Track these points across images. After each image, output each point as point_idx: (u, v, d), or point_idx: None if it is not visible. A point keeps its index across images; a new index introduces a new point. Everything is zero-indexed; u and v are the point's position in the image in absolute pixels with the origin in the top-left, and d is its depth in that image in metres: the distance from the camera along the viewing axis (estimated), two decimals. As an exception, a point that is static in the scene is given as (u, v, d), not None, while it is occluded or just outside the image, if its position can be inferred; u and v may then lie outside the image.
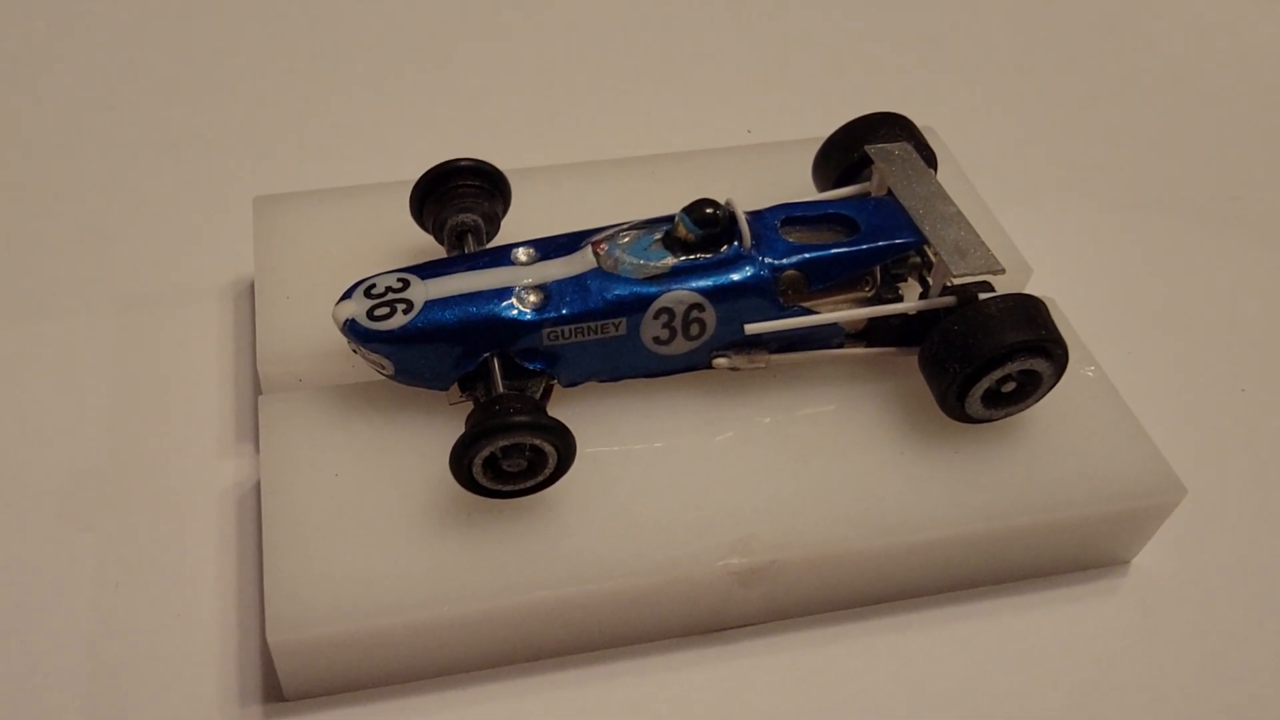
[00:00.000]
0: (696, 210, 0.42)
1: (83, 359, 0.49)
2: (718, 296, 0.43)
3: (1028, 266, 0.51)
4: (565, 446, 0.40)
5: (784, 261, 0.43)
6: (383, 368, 0.42)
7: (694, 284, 0.42)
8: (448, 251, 0.47)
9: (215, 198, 0.54)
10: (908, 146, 0.48)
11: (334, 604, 0.39)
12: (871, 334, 0.46)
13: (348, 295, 0.42)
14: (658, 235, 0.43)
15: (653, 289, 0.42)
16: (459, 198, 0.46)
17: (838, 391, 0.46)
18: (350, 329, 0.42)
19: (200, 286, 0.51)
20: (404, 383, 0.43)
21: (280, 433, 0.43)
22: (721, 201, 0.43)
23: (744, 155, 0.54)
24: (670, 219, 0.43)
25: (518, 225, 0.48)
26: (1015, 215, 0.54)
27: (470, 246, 0.46)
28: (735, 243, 0.43)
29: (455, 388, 0.43)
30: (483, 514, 0.41)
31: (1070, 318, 0.49)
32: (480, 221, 0.46)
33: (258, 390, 0.46)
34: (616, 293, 0.42)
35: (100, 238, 0.54)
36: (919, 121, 0.56)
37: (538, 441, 0.39)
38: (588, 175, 0.53)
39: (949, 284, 0.44)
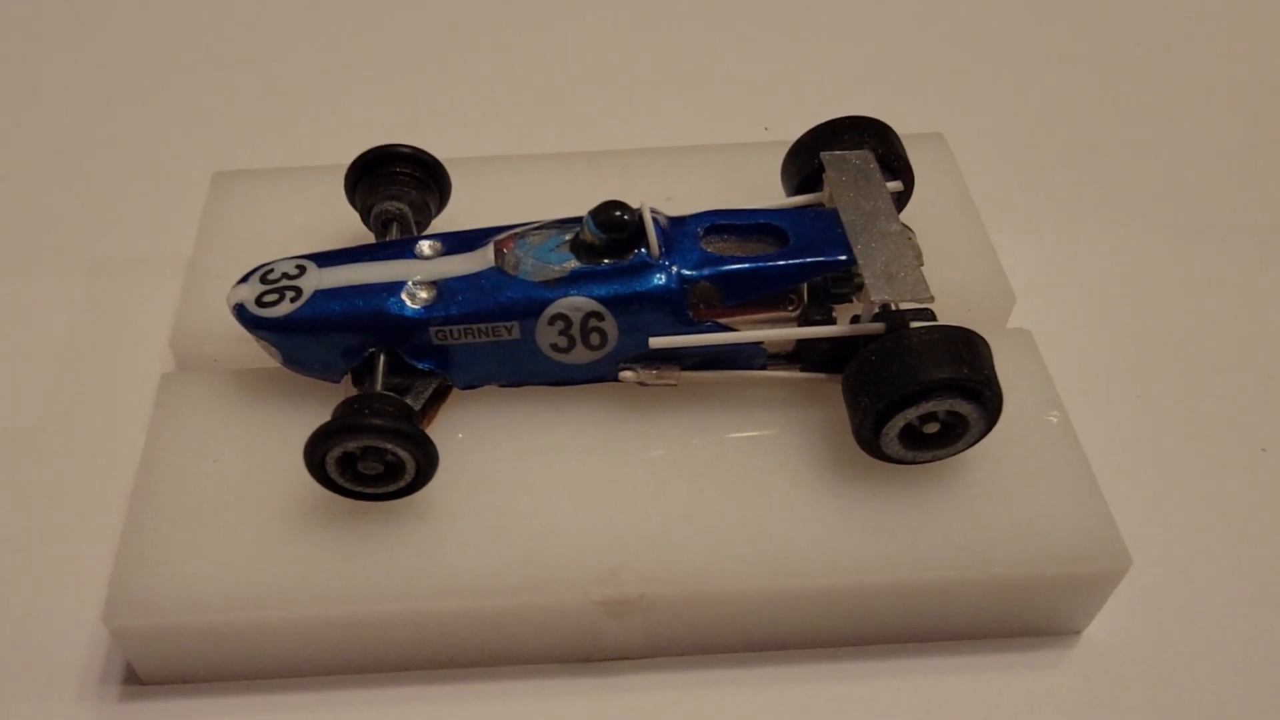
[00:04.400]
0: (603, 213, 0.40)
1: (34, 322, 0.50)
2: (618, 306, 0.40)
3: (1011, 294, 0.46)
4: (424, 457, 0.38)
5: (695, 273, 0.40)
6: (273, 355, 0.42)
7: (593, 291, 0.40)
8: (376, 238, 0.46)
9: (186, 171, 0.54)
10: (868, 155, 0.43)
11: (178, 593, 0.38)
12: (802, 357, 0.42)
13: (245, 279, 0.42)
14: (567, 237, 0.41)
15: (548, 294, 0.40)
16: (390, 184, 0.45)
17: (759, 417, 0.42)
18: (239, 313, 0.41)
19: (159, 258, 0.51)
20: (295, 371, 0.42)
21: (171, 412, 0.42)
22: (634, 205, 0.40)
23: (721, 154, 0.51)
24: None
25: (477, 216, 0.47)
26: (1014, 237, 0.49)
27: (394, 235, 0.45)
28: (642, 249, 0.40)
29: (349, 381, 0.42)
30: (351, 516, 0.40)
31: (1050, 355, 0.44)
32: (407, 211, 0.45)
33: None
34: (510, 295, 0.40)
35: (69, 205, 0.55)
36: (928, 127, 0.52)
37: (393, 448, 0.38)
38: (552, 167, 0.51)
39: (880, 309, 0.40)
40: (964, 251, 0.47)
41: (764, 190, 0.47)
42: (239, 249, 0.47)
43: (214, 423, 0.42)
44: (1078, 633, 0.41)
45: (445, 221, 0.47)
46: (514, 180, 0.50)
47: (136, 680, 0.40)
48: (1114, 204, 0.56)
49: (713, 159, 0.51)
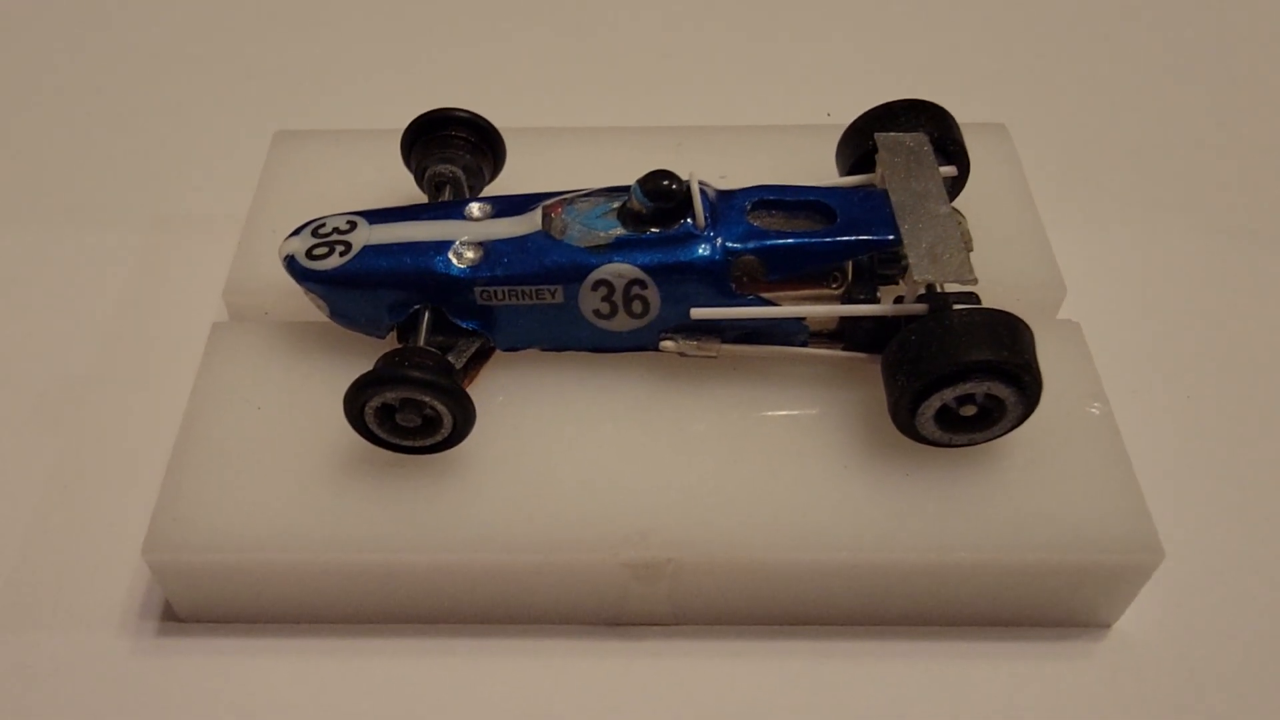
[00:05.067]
0: (650, 182, 0.40)
1: (97, 271, 0.52)
2: (661, 275, 0.40)
3: (1062, 286, 0.46)
4: (461, 412, 0.39)
5: (740, 246, 0.40)
6: (321, 308, 0.43)
7: (637, 259, 0.40)
8: (429, 200, 0.46)
9: (251, 130, 0.55)
10: (922, 138, 0.43)
11: (216, 532, 0.39)
12: (844, 335, 0.42)
13: (297, 232, 0.43)
14: (615, 204, 0.41)
15: (592, 259, 0.40)
16: (445, 147, 0.45)
17: (798, 393, 0.42)
18: (289, 265, 0.42)
19: (220, 213, 0.53)
20: (342, 325, 0.43)
21: (220, 361, 0.43)
22: (684, 176, 0.40)
23: (779, 136, 0.51)
24: None
25: (530, 186, 0.47)
26: (1072, 231, 0.49)
27: (446, 197, 0.45)
28: (688, 220, 0.40)
29: (394, 337, 0.43)
30: (388, 468, 0.40)
31: (1097, 348, 0.44)
32: (460, 174, 0.45)
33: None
34: (554, 259, 0.40)
35: (136, 160, 0.57)
36: (991, 117, 0.52)
37: (429, 400, 0.38)
38: (608, 141, 0.51)
39: (926, 290, 0.40)
40: (1018, 241, 0.47)
41: (820, 174, 0.47)
42: (296, 206, 0.48)
43: (260, 372, 0.43)
44: (1108, 626, 0.41)
45: (498, 189, 0.47)
46: (568, 152, 0.50)
47: (174, 617, 0.41)
48: (1176, 203, 0.55)
49: (770, 140, 0.51)
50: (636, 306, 0.41)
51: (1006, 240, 0.47)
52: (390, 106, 0.53)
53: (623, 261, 0.40)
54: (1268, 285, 0.51)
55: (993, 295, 0.44)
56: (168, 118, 0.60)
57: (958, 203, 0.46)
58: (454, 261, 0.41)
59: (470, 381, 0.42)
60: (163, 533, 0.39)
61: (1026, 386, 0.38)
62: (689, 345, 0.42)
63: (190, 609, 0.41)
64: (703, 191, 0.41)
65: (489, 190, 0.47)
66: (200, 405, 0.42)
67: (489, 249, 0.41)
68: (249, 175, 0.50)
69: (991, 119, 0.51)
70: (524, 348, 0.43)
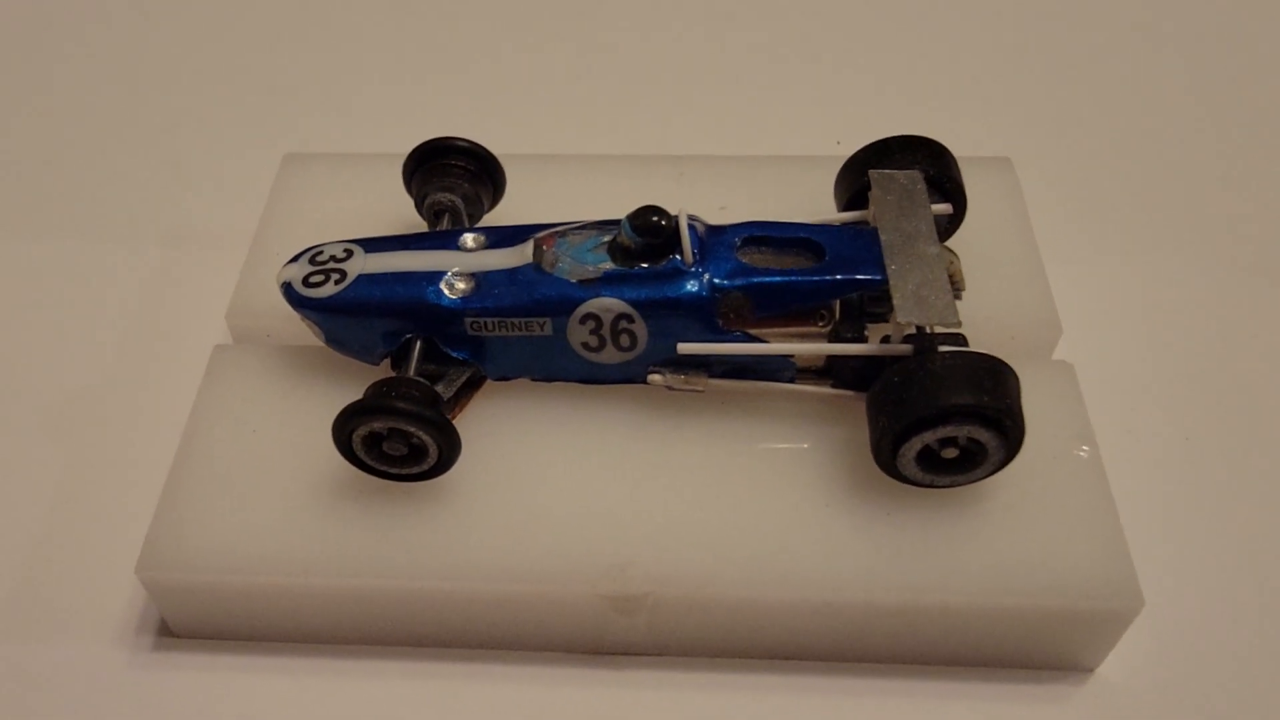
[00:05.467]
0: (639, 218, 0.40)
1: (106, 286, 0.53)
2: (648, 310, 0.40)
3: (1058, 325, 0.45)
4: (447, 443, 0.39)
5: (728, 283, 0.40)
6: (317, 335, 0.43)
7: (625, 294, 0.40)
8: (428, 228, 0.47)
9: (262, 151, 0.56)
10: (916, 176, 0.43)
11: (208, 553, 0.40)
12: (832, 373, 0.42)
13: (295, 259, 0.43)
14: (606, 238, 0.42)
15: (580, 293, 0.40)
16: (445, 176, 0.46)
17: (784, 429, 0.42)
18: (286, 291, 0.43)
19: (228, 234, 0.54)
20: (337, 350, 0.44)
21: (219, 384, 0.44)
22: (674, 211, 0.41)
23: (781, 166, 0.51)
24: None
25: (531, 213, 0.48)
26: (1073, 265, 0.48)
27: (445, 225, 0.46)
28: (677, 256, 0.41)
29: (388, 364, 0.43)
30: (377, 494, 0.41)
31: (1093, 388, 0.44)
32: (459, 203, 0.46)
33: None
34: (544, 291, 0.41)
35: (146, 178, 0.58)
36: (998, 150, 0.51)
37: (415, 431, 0.39)
38: (608, 169, 0.51)
39: (913, 331, 0.40)
40: (1015, 279, 0.47)
41: (822, 206, 0.48)
42: (301, 229, 0.49)
43: (258, 395, 0.44)
44: (1090, 670, 0.41)
45: (499, 216, 0.48)
46: (569, 180, 0.51)
47: (169, 632, 0.42)
48: (1182, 240, 0.54)
49: (773, 171, 0.51)
50: (624, 340, 0.41)
51: (1004, 277, 0.46)
52: (400, 130, 0.53)
53: (611, 296, 0.40)
54: (1275, 326, 0.51)
55: (987, 333, 0.44)
56: (181, 136, 0.61)
57: (956, 239, 0.46)
58: (445, 292, 0.41)
59: (460, 410, 0.43)
60: (156, 551, 0.40)
61: (1008, 431, 0.38)
62: (676, 379, 0.42)
63: (184, 625, 0.42)
64: (692, 227, 0.41)
65: (489, 218, 0.48)
66: (198, 427, 0.43)
67: (480, 280, 0.42)
68: (260, 195, 0.52)
69: (998, 152, 0.51)
70: (514, 377, 0.43)
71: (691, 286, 0.40)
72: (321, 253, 0.43)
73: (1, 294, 0.54)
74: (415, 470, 0.40)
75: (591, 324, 0.41)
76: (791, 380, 0.42)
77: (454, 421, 0.42)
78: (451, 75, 0.64)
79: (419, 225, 0.48)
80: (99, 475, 0.47)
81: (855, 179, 0.45)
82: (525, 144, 0.50)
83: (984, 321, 0.45)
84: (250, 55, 0.66)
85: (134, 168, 0.59)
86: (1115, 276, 0.52)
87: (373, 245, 0.43)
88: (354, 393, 0.43)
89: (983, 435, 0.38)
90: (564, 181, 0.51)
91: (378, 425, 0.39)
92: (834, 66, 0.64)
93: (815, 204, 0.48)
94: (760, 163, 0.52)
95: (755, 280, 0.41)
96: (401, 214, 0.49)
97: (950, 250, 0.43)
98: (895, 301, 0.39)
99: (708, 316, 0.40)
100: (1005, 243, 0.48)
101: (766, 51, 0.66)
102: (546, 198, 0.50)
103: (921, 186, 0.43)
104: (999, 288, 0.46)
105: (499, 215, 0.48)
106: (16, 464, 0.47)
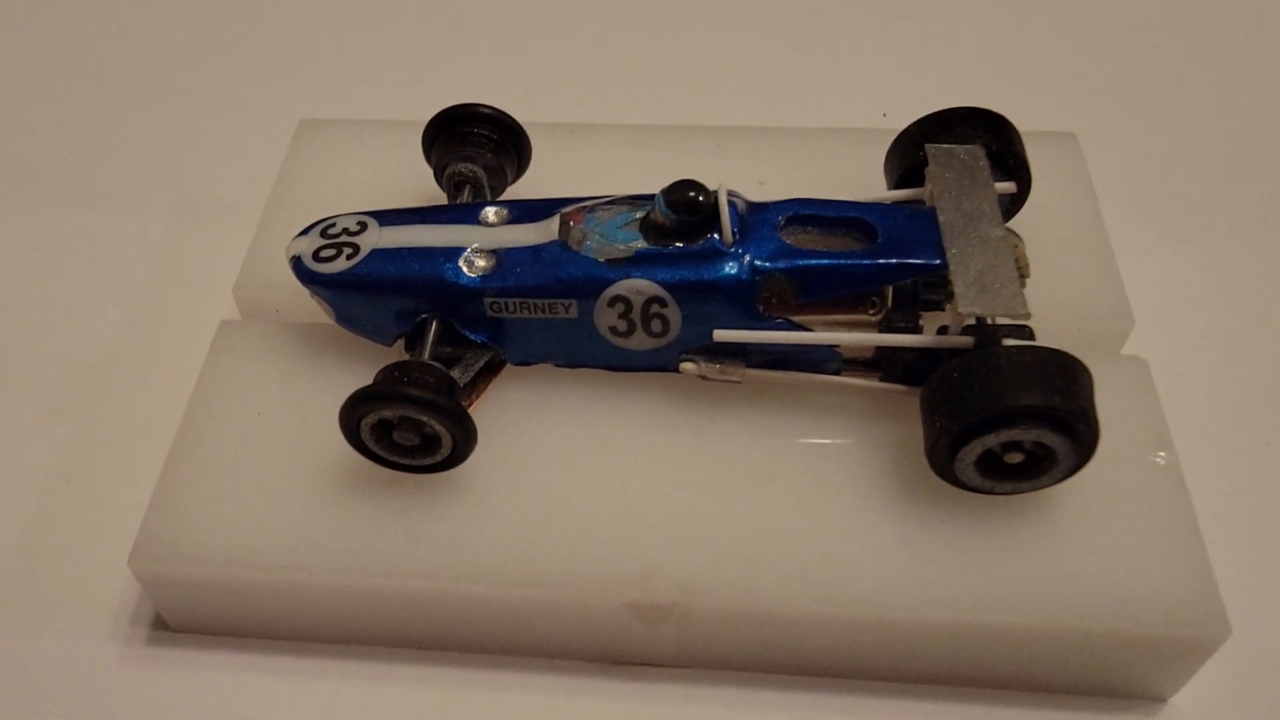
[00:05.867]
0: (675, 193, 0.37)
1: (117, 256, 0.50)
2: (682, 293, 0.37)
3: (1130, 317, 0.42)
4: (461, 434, 0.36)
5: (770, 265, 0.37)
6: (327, 313, 0.40)
7: (658, 275, 0.37)
8: (448, 199, 0.44)
9: (278, 117, 0.53)
10: (978, 151, 0.39)
11: (203, 545, 0.37)
12: (882, 364, 0.39)
13: (305, 232, 0.40)
14: (638, 214, 0.38)
15: (609, 274, 0.37)
16: (466, 145, 0.43)
17: (828, 425, 0.39)
18: (295, 266, 0.40)
19: (241, 202, 0.51)
20: (349, 330, 0.41)
21: (224, 362, 0.41)
22: (712, 186, 0.37)
23: (825, 139, 0.47)
24: None
25: (558, 185, 0.45)
26: (1144, 252, 0.44)
27: (466, 198, 0.43)
28: (715, 235, 0.37)
29: (402, 345, 0.40)
30: (386, 485, 0.38)
31: (1166, 387, 0.40)
32: (481, 174, 0.43)
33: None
34: (569, 271, 0.37)
35: (159, 146, 0.55)
36: (1060, 124, 0.48)
37: (428, 420, 0.36)
38: (643, 139, 0.48)
39: (973, 321, 0.36)
40: (1082, 265, 0.43)
41: (869, 182, 0.44)
42: (316, 198, 0.46)
43: (263, 375, 0.41)
44: (1163, 699, 0.37)
45: (524, 188, 0.45)
46: (601, 150, 0.47)
47: (164, 626, 0.40)
48: (1260, 225, 0.50)
49: (816, 144, 0.47)
50: (655, 325, 0.38)
51: (1070, 264, 0.43)
52: (421, 96, 0.50)
53: (641, 277, 0.37)
54: (1366, 320, 0.46)
55: (1052, 326, 0.40)
56: (194, 103, 0.58)
57: (1017, 221, 0.42)
58: (464, 270, 0.38)
59: (478, 396, 0.40)
60: (150, 543, 0.37)
61: (1080, 436, 0.34)
62: (711, 368, 0.39)
63: (180, 619, 0.39)
64: (732, 204, 0.37)
65: (513, 191, 0.45)
66: (198, 409, 0.40)
67: (501, 258, 0.38)
68: (275, 162, 0.49)
69: (1060, 127, 0.47)
70: (536, 362, 0.40)
71: (730, 269, 0.37)
72: (334, 225, 0.40)
73: (5, 264, 0.51)
74: (427, 461, 0.37)
75: (621, 307, 0.38)
76: (837, 372, 0.39)
77: (471, 408, 0.39)
78: (476, 38, 0.61)
79: (439, 196, 0.45)
80: (100, 459, 0.44)
81: (909, 154, 0.42)
82: (553, 112, 0.47)
83: (1048, 312, 0.41)
84: (267, 17, 0.63)
85: (145, 135, 0.57)
86: (1189, 264, 0.48)
87: (388, 218, 0.40)
88: (365, 375, 0.40)
89: (1052, 440, 0.34)
90: (594, 153, 0.47)
91: (388, 413, 0.36)
92: (881, 33, 0.60)
93: (863, 180, 0.44)
94: (803, 135, 0.48)
95: (800, 263, 0.37)
96: (421, 184, 0.46)
97: (1015, 233, 0.39)
98: (956, 289, 0.35)
99: (747, 301, 0.37)
100: (1071, 225, 0.44)
101: (810, 17, 0.61)
102: (575, 170, 0.47)
103: (984, 163, 0.39)
104: (1065, 275, 0.42)
105: (524, 188, 0.45)
106: (13, 446, 0.45)
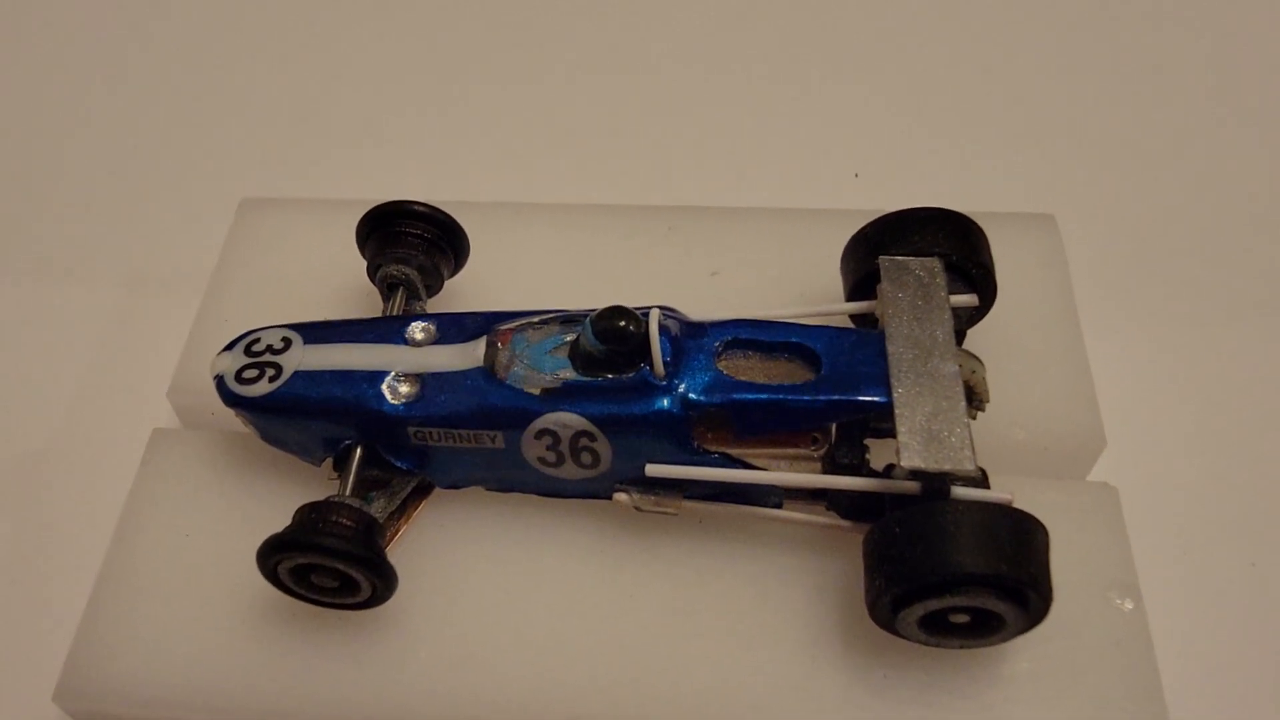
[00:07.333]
0: (603, 321, 0.34)
1: (58, 337, 0.49)
2: (611, 427, 0.35)
3: (1102, 437, 0.39)
4: (380, 580, 0.35)
5: (705, 399, 0.35)
6: (252, 432, 0.39)
7: (586, 409, 0.35)
8: (381, 299, 0.42)
9: (220, 196, 0.50)
10: (935, 266, 0.37)
11: (131, 681, 0.36)
12: (829, 495, 0.36)
13: (230, 346, 0.39)
14: (568, 338, 0.36)
15: (536, 405, 0.35)
16: (399, 245, 0.41)
17: (769, 559, 0.37)
18: (218, 386, 0.38)
19: (184, 285, 0.49)
20: (276, 449, 0.39)
21: (154, 477, 0.40)
22: (644, 308, 0.35)
23: (785, 220, 0.44)
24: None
25: (502, 270, 0.43)
26: (1122, 347, 0.41)
27: (397, 302, 0.41)
28: (646, 366, 0.35)
29: (330, 465, 0.39)
30: (316, 618, 0.37)
31: (1138, 522, 0.37)
32: (414, 275, 0.40)
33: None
34: (493, 402, 0.35)
35: (111, 218, 0.53)
36: (1040, 205, 0.44)
37: (344, 568, 0.34)
38: (592, 221, 0.45)
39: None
40: (1052, 372, 0.40)
41: (830, 266, 0.41)
42: (256, 287, 0.44)
43: (194, 492, 0.40)
44: None
45: (465, 273, 0.43)
46: (548, 232, 0.45)
47: (94, 756, 0.39)
48: (1256, 318, 0.46)
49: (776, 225, 0.45)
50: (585, 458, 0.36)
51: (1038, 370, 0.40)
52: (365, 174, 0.48)
53: (569, 411, 0.35)
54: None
55: (1015, 446, 0.38)
56: (138, 182, 0.56)
57: (984, 322, 0.39)
58: (387, 396, 0.36)
59: (405, 521, 0.38)
60: (75, 680, 0.36)
61: (1030, 604, 0.32)
62: (645, 500, 0.36)
63: (110, 752, 0.39)
64: (665, 330, 0.35)
65: (452, 282, 0.43)
66: (128, 528, 0.39)
67: (426, 382, 0.36)
68: (219, 240, 0.47)
69: (1039, 208, 0.44)
70: (466, 485, 0.39)
71: (662, 403, 0.35)
72: (258, 341, 0.38)
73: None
74: (349, 601, 0.36)
75: (548, 439, 0.36)
76: (778, 505, 0.36)
77: (397, 536, 0.38)
78: (422, 115, 0.57)
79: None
80: (31, 563, 0.43)
81: (863, 259, 0.39)
82: (499, 190, 0.44)
83: (1011, 427, 0.39)
84: (210, 95, 0.59)
85: (86, 211, 0.54)
86: (1171, 362, 0.44)
87: (313, 334, 0.38)
88: (297, 492, 0.38)
89: (998, 607, 0.32)
90: (540, 233, 0.45)
91: (303, 559, 0.35)
92: (850, 108, 0.56)
93: (823, 265, 0.41)
94: (761, 215, 0.45)
95: (737, 397, 0.35)
96: (363, 264, 0.44)
97: (972, 355, 0.36)
98: (900, 438, 0.33)
99: (681, 436, 0.35)
100: (1044, 323, 0.41)
101: (773, 87, 0.57)
102: (520, 252, 0.44)
103: (941, 279, 0.36)
104: (1033, 382, 0.40)
105: (465, 273, 0.43)
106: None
